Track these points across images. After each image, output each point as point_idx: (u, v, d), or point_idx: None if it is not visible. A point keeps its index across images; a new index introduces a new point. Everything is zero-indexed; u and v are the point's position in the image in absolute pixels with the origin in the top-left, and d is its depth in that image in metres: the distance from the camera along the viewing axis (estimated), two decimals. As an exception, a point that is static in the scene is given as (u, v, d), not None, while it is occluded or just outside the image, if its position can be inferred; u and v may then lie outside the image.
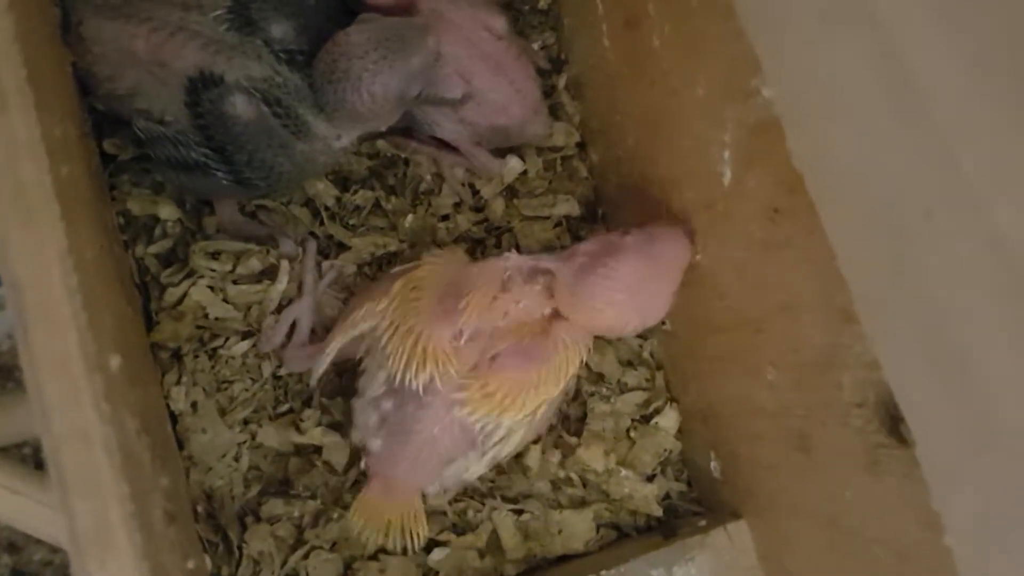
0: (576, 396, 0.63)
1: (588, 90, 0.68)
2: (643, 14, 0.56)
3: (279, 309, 0.60)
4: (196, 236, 0.60)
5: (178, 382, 0.58)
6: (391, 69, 0.52)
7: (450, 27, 0.59)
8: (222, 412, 0.59)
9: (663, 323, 0.64)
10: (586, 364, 0.63)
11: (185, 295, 0.58)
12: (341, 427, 0.59)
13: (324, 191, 0.64)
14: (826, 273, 0.43)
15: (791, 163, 0.44)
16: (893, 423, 0.43)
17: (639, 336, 0.65)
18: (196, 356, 0.59)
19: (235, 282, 0.59)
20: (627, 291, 0.53)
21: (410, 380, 0.52)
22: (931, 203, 0.37)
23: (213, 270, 0.59)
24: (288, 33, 0.53)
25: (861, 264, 0.42)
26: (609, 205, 0.68)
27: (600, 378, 0.63)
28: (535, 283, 0.55)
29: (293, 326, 0.60)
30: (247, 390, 0.60)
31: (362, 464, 0.56)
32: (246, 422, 0.59)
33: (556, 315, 0.55)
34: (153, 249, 0.59)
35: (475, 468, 0.55)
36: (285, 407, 0.60)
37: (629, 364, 0.64)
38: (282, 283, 0.60)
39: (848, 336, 0.44)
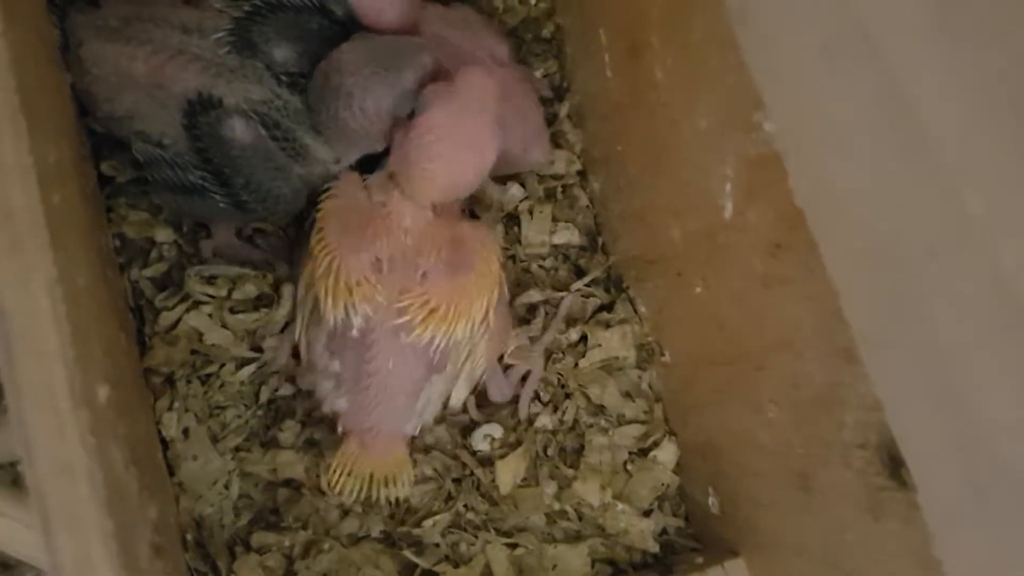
0: (573, 427, 0.62)
1: (590, 119, 0.67)
2: (645, 44, 0.55)
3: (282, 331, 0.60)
4: (192, 259, 0.60)
5: (170, 408, 0.57)
6: (383, 84, 0.52)
7: (453, 52, 0.59)
8: (214, 439, 0.58)
9: (662, 355, 0.63)
10: (586, 395, 0.63)
11: (179, 320, 0.58)
12: (318, 444, 0.59)
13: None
14: (827, 311, 0.43)
15: (793, 199, 0.43)
16: (894, 466, 0.42)
17: (638, 367, 0.64)
18: (189, 382, 0.58)
19: (232, 308, 0.59)
20: (441, 138, 0.51)
21: (347, 326, 0.51)
22: (934, 242, 0.37)
23: (209, 295, 0.58)
24: (290, 57, 0.53)
25: (863, 303, 0.41)
26: (610, 234, 0.67)
27: (600, 410, 0.62)
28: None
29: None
30: (240, 416, 0.59)
31: (339, 430, 0.55)
32: (238, 449, 0.59)
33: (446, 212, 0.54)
34: (148, 272, 0.59)
35: (457, 393, 0.56)
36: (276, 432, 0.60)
37: (628, 396, 0.64)
38: (285, 307, 0.60)
39: (850, 376, 0.43)
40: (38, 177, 0.30)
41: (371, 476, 0.54)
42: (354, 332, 0.52)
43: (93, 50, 0.53)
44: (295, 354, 0.58)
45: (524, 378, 0.63)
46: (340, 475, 0.54)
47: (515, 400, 0.62)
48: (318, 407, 0.59)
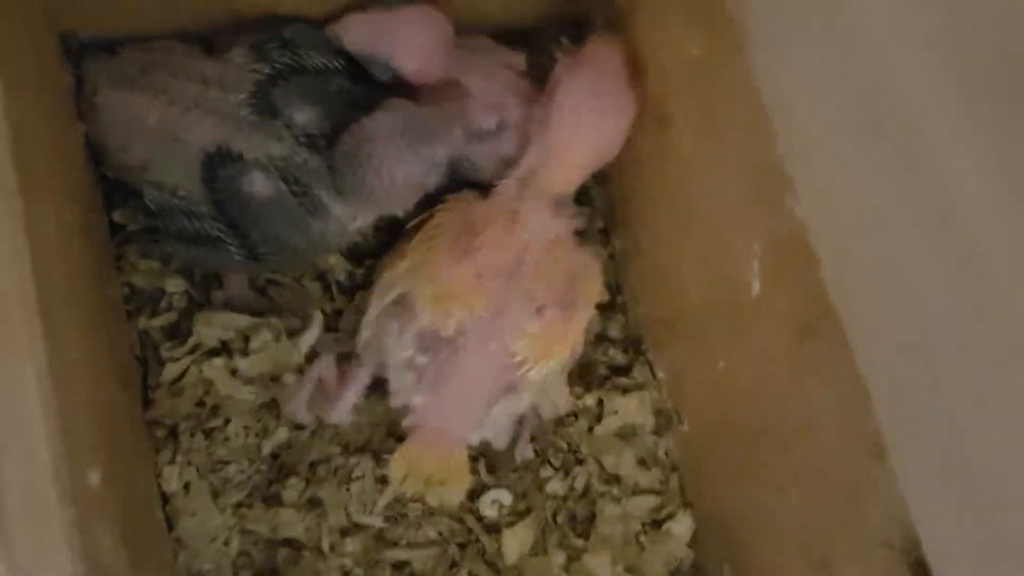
0: (585, 494, 0.60)
1: (614, 179, 0.65)
2: (674, 115, 0.54)
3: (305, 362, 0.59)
4: (203, 308, 0.59)
5: (172, 461, 0.56)
6: (415, 157, 0.51)
7: (476, 66, 0.58)
8: (215, 494, 0.56)
9: (680, 422, 0.61)
10: (600, 464, 0.61)
11: (186, 371, 0.57)
12: (322, 503, 0.57)
13: (336, 265, 0.62)
14: (856, 403, 0.41)
15: (824, 286, 0.42)
16: (919, 571, 0.40)
17: (655, 433, 0.62)
18: (193, 435, 0.56)
19: (243, 356, 0.57)
20: (583, 101, 0.53)
21: (440, 327, 0.52)
22: (969, 338, 0.35)
23: (221, 344, 0.57)
24: (311, 119, 0.52)
25: (892, 399, 0.39)
26: (630, 294, 0.66)
27: (615, 479, 0.60)
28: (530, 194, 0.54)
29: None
30: (242, 472, 0.57)
31: (404, 423, 0.55)
32: (239, 505, 0.57)
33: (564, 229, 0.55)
34: (157, 322, 0.58)
35: (530, 391, 0.56)
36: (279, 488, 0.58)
37: (643, 463, 0.62)
38: (313, 334, 0.59)
39: (876, 471, 0.41)
40: (33, 260, 0.29)
41: (430, 476, 0.54)
42: (446, 332, 0.52)
43: (108, 98, 0.52)
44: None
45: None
46: (402, 470, 0.54)
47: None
48: (325, 460, 0.58)
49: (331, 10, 0.56)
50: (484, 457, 0.59)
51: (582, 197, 0.66)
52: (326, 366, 0.58)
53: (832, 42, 0.36)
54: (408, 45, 0.55)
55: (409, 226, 0.56)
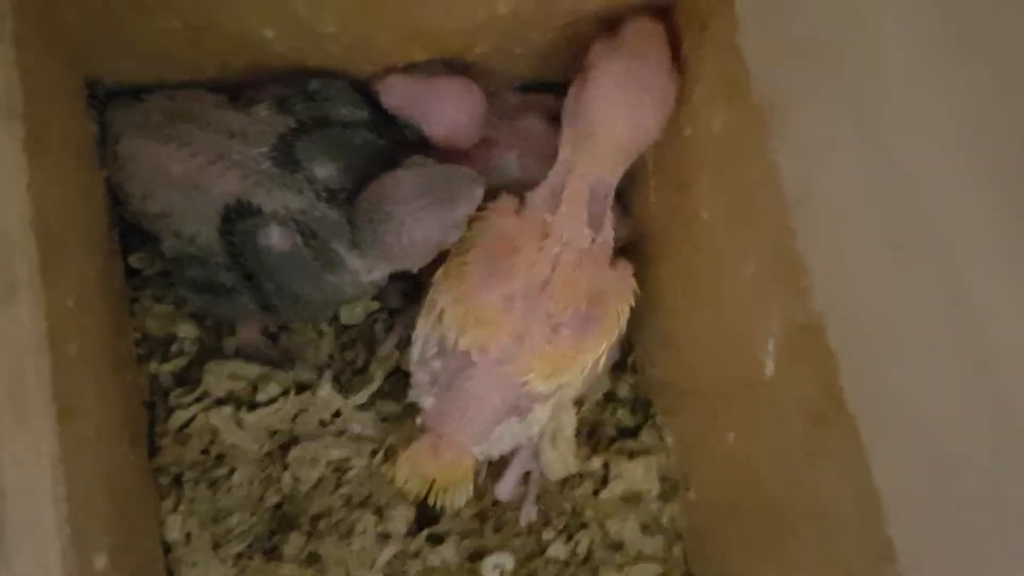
0: (587, 560, 0.60)
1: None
2: (695, 181, 0.54)
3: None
4: (214, 355, 0.58)
5: (175, 510, 0.55)
6: (434, 217, 0.50)
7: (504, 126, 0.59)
8: (216, 545, 0.56)
9: (687, 490, 0.61)
10: (603, 529, 0.60)
11: (193, 418, 0.56)
12: (321, 559, 0.57)
13: (349, 310, 0.62)
14: (865, 501, 0.40)
15: (837, 378, 0.41)
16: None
17: (660, 499, 0.62)
18: (196, 484, 0.56)
19: (251, 407, 0.57)
20: (620, 84, 0.51)
21: (460, 342, 0.52)
22: (988, 456, 0.35)
23: (229, 393, 0.57)
24: (332, 174, 0.52)
25: (906, 505, 0.39)
26: (642, 354, 0.65)
27: (618, 546, 0.60)
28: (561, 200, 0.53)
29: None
30: (244, 523, 0.57)
31: (416, 420, 0.55)
32: (239, 556, 0.56)
33: (598, 248, 0.54)
34: (167, 367, 0.58)
35: (539, 418, 0.55)
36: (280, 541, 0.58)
37: (647, 529, 0.61)
38: (390, 343, 0.61)
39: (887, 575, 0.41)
40: (53, 338, 0.29)
41: (434, 480, 0.54)
42: (463, 346, 0.52)
43: (131, 146, 0.52)
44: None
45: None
46: (407, 470, 0.55)
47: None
48: (327, 514, 0.58)
49: (355, 64, 0.56)
50: (490, 518, 0.59)
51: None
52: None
53: (860, 147, 0.35)
54: (439, 115, 0.56)
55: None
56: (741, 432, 0.53)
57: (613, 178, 0.54)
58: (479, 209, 0.53)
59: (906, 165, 0.35)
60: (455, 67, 0.58)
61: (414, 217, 0.50)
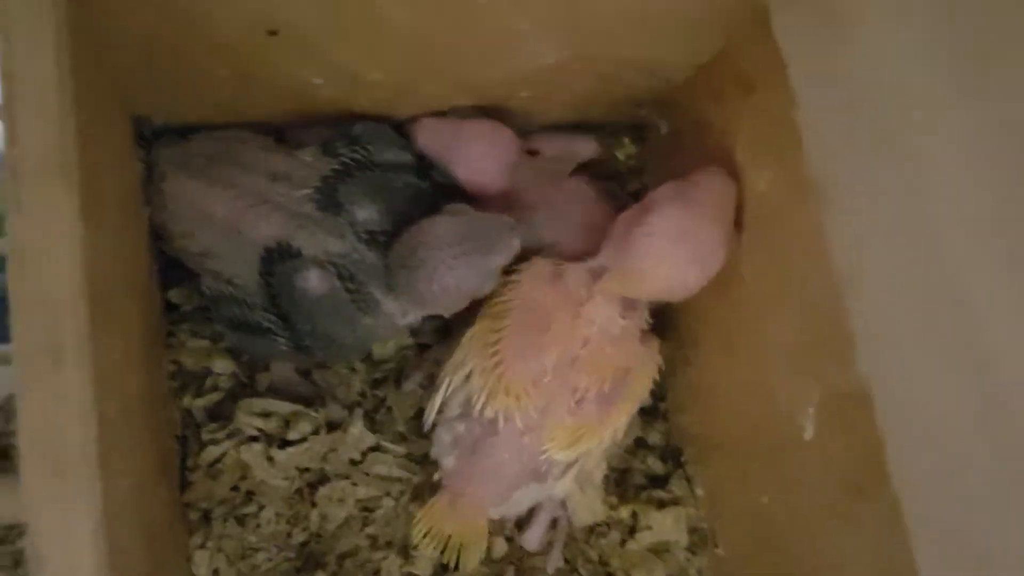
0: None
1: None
2: (736, 238, 0.53)
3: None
4: (247, 391, 0.59)
5: (203, 546, 0.56)
6: (469, 267, 0.50)
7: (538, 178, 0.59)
8: (242, 582, 0.56)
9: (716, 545, 0.60)
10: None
11: (224, 454, 0.56)
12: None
13: (382, 346, 0.62)
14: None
15: (882, 449, 0.41)
16: None
17: (689, 550, 0.61)
18: (225, 520, 0.56)
19: (281, 446, 0.57)
20: (672, 241, 0.49)
21: (485, 409, 0.52)
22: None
23: (260, 430, 0.57)
24: (373, 216, 0.52)
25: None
26: (674, 403, 0.65)
27: (643, 601, 0.59)
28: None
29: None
30: (270, 560, 0.57)
31: (435, 476, 0.56)
32: (264, 593, 0.57)
33: (630, 326, 0.54)
34: (201, 402, 0.58)
35: (559, 485, 0.55)
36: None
37: (673, 583, 0.60)
38: (414, 381, 0.61)
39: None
40: (96, 401, 0.29)
41: (449, 537, 0.55)
42: (489, 413, 0.52)
43: (175, 186, 0.52)
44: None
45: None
46: (424, 527, 0.55)
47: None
48: (353, 554, 0.58)
49: (401, 109, 0.56)
50: (515, 566, 0.59)
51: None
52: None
53: (907, 227, 0.35)
54: (467, 157, 0.56)
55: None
56: (773, 494, 0.52)
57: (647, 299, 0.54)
58: (512, 271, 0.53)
59: (945, 249, 0.35)
60: (494, 112, 0.58)
61: (447, 265, 0.50)
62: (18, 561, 0.86)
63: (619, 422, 0.54)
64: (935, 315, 0.34)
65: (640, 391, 0.55)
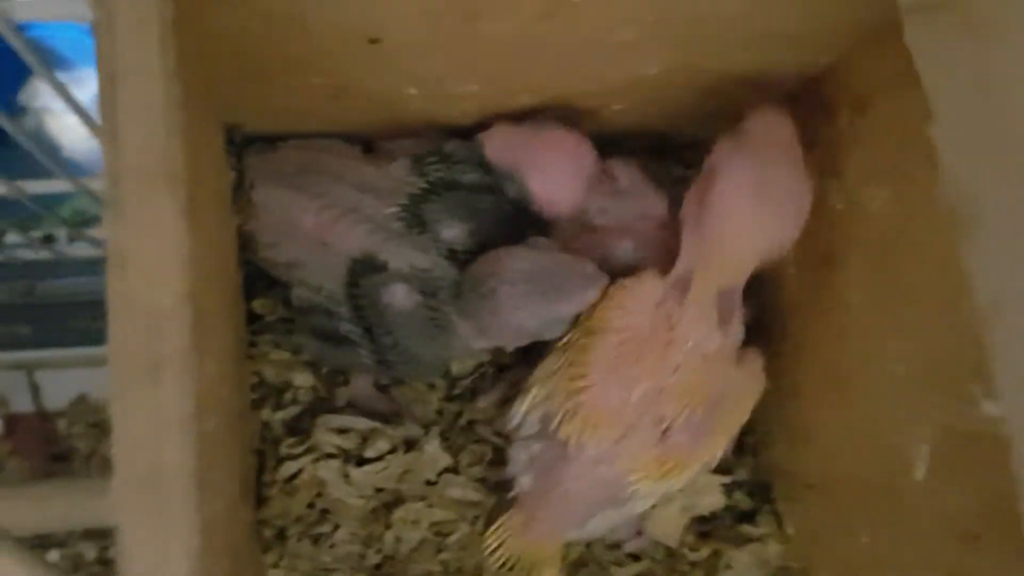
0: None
1: (756, 302, 0.62)
2: (843, 260, 0.50)
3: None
4: (326, 405, 0.58)
5: (276, 565, 0.54)
6: (535, 307, 0.48)
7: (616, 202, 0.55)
8: (315, 602, 0.55)
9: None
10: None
11: (301, 470, 0.55)
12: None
13: (460, 363, 0.61)
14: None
15: (1007, 495, 0.37)
16: None
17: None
18: (300, 539, 0.55)
19: (358, 463, 0.56)
20: (750, 193, 0.45)
21: (562, 431, 0.49)
22: None
23: (338, 447, 0.56)
24: (458, 236, 0.51)
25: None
26: (763, 437, 0.61)
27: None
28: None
29: None
30: (344, 580, 0.56)
31: (511, 493, 0.53)
32: (335, 614, 0.55)
33: (726, 345, 0.50)
34: (280, 415, 0.57)
35: (639, 504, 0.52)
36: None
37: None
38: (488, 400, 0.59)
39: None
40: (195, 416, 0.28)
41: (520, 557, 0.53)
42: (563, 434, 0.50)
43: (265, 196, 0.52)
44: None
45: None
46: (496, 540, 0.52)
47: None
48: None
49: (490, 121, 0.54)
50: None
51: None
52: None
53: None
54: (544, 167, 0.52)
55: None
56: (876, 536, 0.49)
57: (743, 280, 0.49)
58: (620, 285, 0.50)
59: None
60: (583, 123, 0.56)
61: (514, 302, 0.48)
62: (77, 565, 0.87)
63: (713, 454, 0.51)
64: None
65: (739, 417, 0.51)
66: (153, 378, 0.27)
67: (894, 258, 0.45)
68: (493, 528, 0.53)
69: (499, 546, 0.53)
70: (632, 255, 0.54)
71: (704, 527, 0.60)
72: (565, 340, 0.51)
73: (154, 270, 0.27)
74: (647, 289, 0.50)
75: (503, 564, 0.53)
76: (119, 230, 0.28)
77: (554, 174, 0.53)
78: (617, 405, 0.49)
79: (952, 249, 0.37)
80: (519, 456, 0.53)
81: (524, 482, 0.52)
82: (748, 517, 0.60)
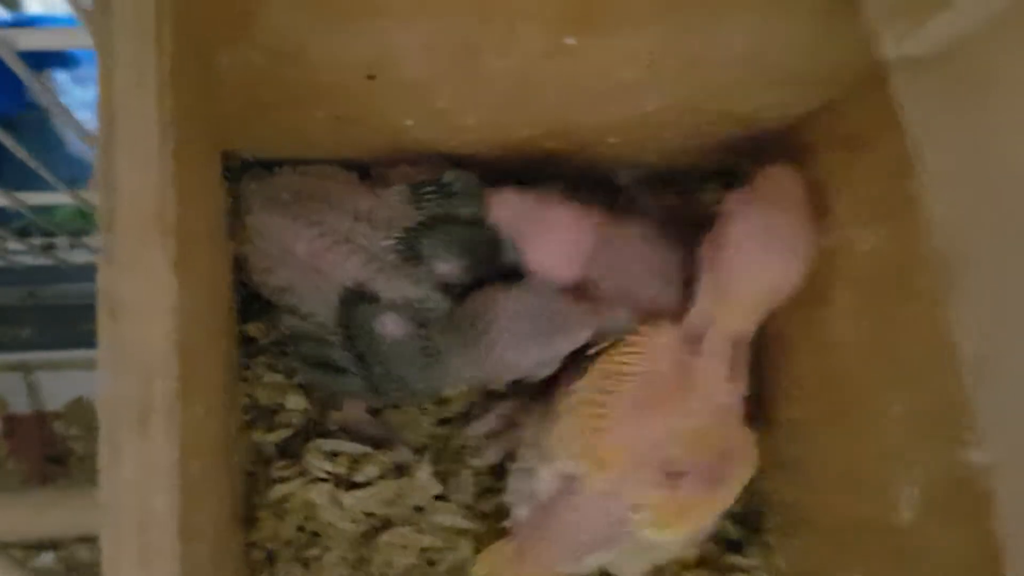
0: None
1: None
2: (834, 297, 0.50)
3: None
4: (319, 428, 0.58)
5: (265, 587, 0.55)
6: (529, 347, 0.49)
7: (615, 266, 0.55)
8: (302, 627, 0.55)
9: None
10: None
11: (292, 493, 0.55)
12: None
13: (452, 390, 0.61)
14: None
15: (993, 544, 0.37)
16: None
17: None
18: (290, 563, 0.55)
19: (348, 488, 0.56)
20: (761, 240, 0.48)
21: (566, 465, 0.50)
22: None
23: (328, 472, 0.56)
24: (453, 270, 0.51)
25: None
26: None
27: None
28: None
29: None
30: (332, 605, 0.56)
31: (507, 522, 0.54)
32: (321, 639, 0.55)
33: (734, 404, 0.51)
34: (271, 437, 0.57)
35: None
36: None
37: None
38: (479, 428, 0.59)
39: None
40: (181, 462, 0.28)
41: None
42: (568, 471, 0.50)
43: (260, 221, 0.52)
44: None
45: None
46: (485, 568, 0.53)
47: None
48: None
49: (488, 151, 0.55)
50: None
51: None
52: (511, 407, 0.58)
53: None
54: (544, 241, 0.53)
55: (592, 351, 0.52)
56: (869, 574, 0.49)
57: (752, 329, 0.51)
58: (637, 332, 0.51)
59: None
60: (580, 154, 0.56)
61: (505, 343, 0.49)
62: (71, 567, 0.87)
63: (722, 507, 0.51)
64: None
65: (743, 480, 0.51)
66: (142, 426, 0.27)
67: (885, 299, 0.46)
68: (483, 556, 0.53)
69: (488, 572, 0.53)
70: (628, 319, 0.53)
71: (689, 554, 0.60)
72: (575, 384, 0.51)
73: (144, 319, 0.27)
74: (664, 336, 0.51)
75: None
76: (111, 278, 0.28)
77: (553, 253, 0.53)
78: (638, 445, 0.49)
79: (942, 294, 0.38)
80: (519, 487, 0.53)
81: (521, 513, 0.53)
82: (737, 547, 0.61)
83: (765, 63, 0.44)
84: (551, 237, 0.53)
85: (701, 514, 0.51)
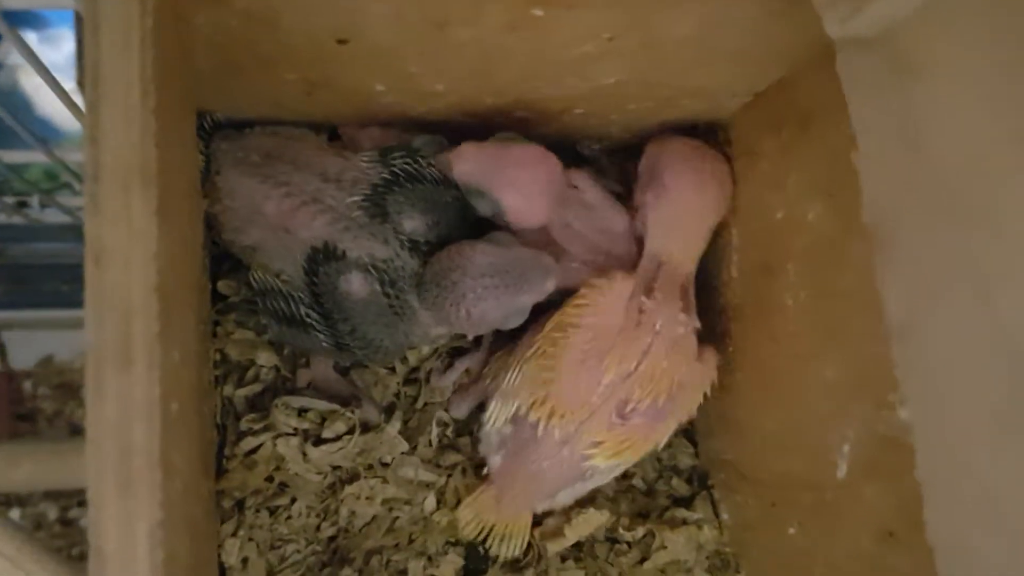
0: None
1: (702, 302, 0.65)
2: (781, 268, 0.53)
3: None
4: (288, 384, 0.60)
5: (234, 534, 0.57)
6: (496, 300, 0.51)
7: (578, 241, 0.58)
8: (270, 572, 0.57)
9: (738, 572, 0.60)
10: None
11: (261, 445, 0.57)
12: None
13: (417, 350, 0.63)
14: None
15: (916, 495, 0.40)
16: None
17: (708, 572, 0.61)
18: (258, 511, 0.57)
19: (316, 443, 0.58)
20: (693, 179, 0.56)
21: (531, 414, 0.54)
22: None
23: (295, 428, 0.58)
24: (419, 227, 0.53)
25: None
26: (704, 428, 0.65)
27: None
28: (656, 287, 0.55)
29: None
30: (299, 551, 0.58)
31: (485, 469, 0.59)
32: (291, 585, 0.58)
33: (688, 335, 0.55)
34: (242, 392, 0.59)
35: (600, 479, 0.58)
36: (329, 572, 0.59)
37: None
38: (446, 380, 0.62)
39: None
40: (161, 400, 0.30)
41: (493, 526, 0.58)
42: (532, 418, 0.54)
43: (229, 181, 0.53)
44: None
45: None
46: (471, 513, 0.58)
47: None
48: (379, 552, 0.59)
49: (457, 118, 0.56)
50: (532, 565, 0.60)
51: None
52: (476, 360, 0.63)
53: (973, 279, 0.35)
54: (516, 184, 0.54)
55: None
56: (803, 528, 0.53)
57: (696, 263, 0.57)
58: (592, 285, 0.54)
59: (1004, 311, 0.34)
60: (548, 125, 0.59)
61: (476, 294, 0.51)
62: (39, 524, 0.88)
63: (664, 436, 0.56)
64: (987, 375, 0.34)
65: (690, 407, 0.56)
66: (124, 366, 0.29)
67: (825, 268, 0.48)
68: (466, 502, 0.58)
69: (473, 518, 0.58)
70: (583, 270, 0.57)
71: (641, 509, 0.63)
72: (537, 335, 0.55)
73: (127, 266, 0.29)
74: (617, 287, 0.54)
75: (478, 534, 0.58)
76: (96, 225, 0.30)
77: (527, 189, 0.55)
78: (584, 394, 0.54)
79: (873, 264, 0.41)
80: (491, 438, 0.58)
81: (495, 462, 0.58)
82: (686, 502, 0.64)
83: (719, 41, 0.46)
84: (521, 172, 0.54)
85: (643, 447, 0.56)
